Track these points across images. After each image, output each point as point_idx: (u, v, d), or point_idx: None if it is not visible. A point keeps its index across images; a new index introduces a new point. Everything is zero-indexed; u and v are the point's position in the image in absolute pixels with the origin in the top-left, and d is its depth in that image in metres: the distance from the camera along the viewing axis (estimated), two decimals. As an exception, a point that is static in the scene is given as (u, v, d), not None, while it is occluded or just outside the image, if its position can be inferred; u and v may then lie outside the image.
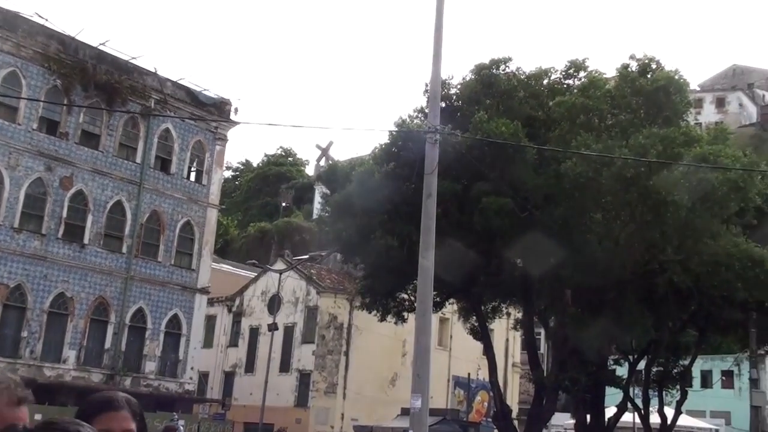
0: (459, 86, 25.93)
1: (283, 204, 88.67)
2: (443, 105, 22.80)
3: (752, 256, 24.19)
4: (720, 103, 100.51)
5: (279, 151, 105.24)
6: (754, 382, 30.93)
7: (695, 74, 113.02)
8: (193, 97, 38.63)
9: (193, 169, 39.14)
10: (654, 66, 24.50)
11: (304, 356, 42.02)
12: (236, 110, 40.56)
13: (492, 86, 25.02)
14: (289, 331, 42.84)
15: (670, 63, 25.03)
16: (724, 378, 49.93)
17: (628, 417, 33.06)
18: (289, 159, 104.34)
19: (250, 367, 44.43)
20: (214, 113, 39.22)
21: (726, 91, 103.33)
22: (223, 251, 67.79)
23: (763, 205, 27.13)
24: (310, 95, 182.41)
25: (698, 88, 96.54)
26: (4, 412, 1.62)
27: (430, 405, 15.66)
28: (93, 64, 34.76)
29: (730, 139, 28.36)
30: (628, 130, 23.16)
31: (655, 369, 33.26)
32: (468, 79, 25.73)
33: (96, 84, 34.59)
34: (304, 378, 41.73)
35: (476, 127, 22.26)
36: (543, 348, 42.41)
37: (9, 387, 1.66)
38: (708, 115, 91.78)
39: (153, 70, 37.18)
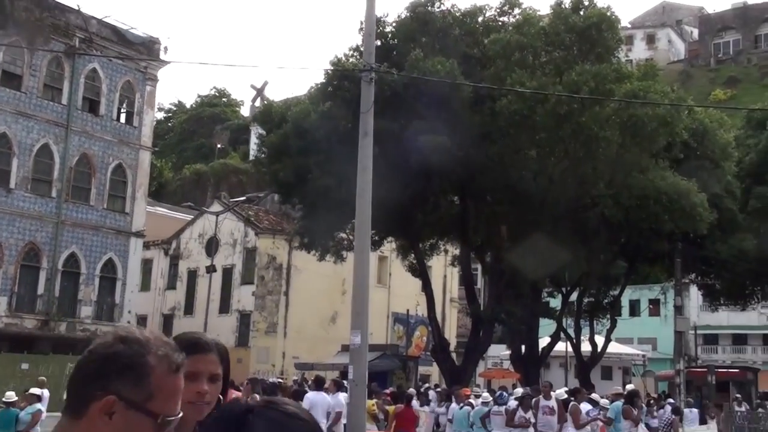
0: (394, 24, 25.71)
1: (219, 145, 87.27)
2: (379, 43, 22.59)
3: (679, 189, 25.03)
4: (650, 40, 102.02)
5: (213, 92, 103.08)
6: (679, 309, 32.30)
7: (626, 11, 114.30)
8: (120, 36, 37.32)
9: (123, 110, 38.08)
10: (586, 2, 24.68)
11: (243, 297, 42.04)
12: (166, 49, 39.46)
13: (427, 24, 24.88)
14: (227, 272, 42.70)
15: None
16: (651, 306, 51.94)
17: (560, 346, 34.28)
18: (224, 100, 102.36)
19: (189, 309, 44.26)
20: (142, 52, 38.03)
21: (656, 27, 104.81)
22: (157, 194, 66.62)
23: (689, 139, 27.98)
24: (243, 34, 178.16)
25: (629, 25, 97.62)
26: (162, 379, 1.60)
27: (369, 341, 15.93)
28: (10, 0, 33.15)
29: (659, 75, 28.93)
30: (562, 67, 23.43)
31: (586, 300, 34.46)
32: (403, 16, 25.51)
33: (15, 21, 33.06)
34: (245, 318, 41.82)
35: (412, 65, 22.19)
36: (480, 283, 43.34)
37: (168, 354, 1.63)
38: (638, 51, 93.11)
39: (76, 7, 35.71)
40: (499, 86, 22.39)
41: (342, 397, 15.58)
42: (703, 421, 28.02)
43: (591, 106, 22.04)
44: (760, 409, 25.30)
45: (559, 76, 22.89)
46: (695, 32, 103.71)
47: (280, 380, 24.46)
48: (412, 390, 21.55)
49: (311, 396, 14.26)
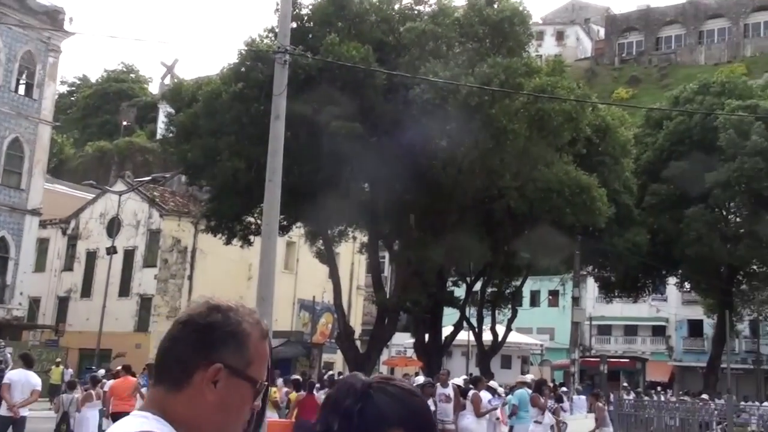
0: (311, 7, 25.46)
1: (125, 123, 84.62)
2: (294, 26, 22.35)
3: (581, 183, 25.82)
4: (559, 37, 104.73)
5: (120, 67, 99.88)
6: (576, 301, 33.45)
7: (538, 7, 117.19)
8: (21, 3, 35.58)
9: (22, 81, 36.38)
10: (502, -5, 25.08)
11: (145, 280, 40.95)
12: (71, 20, 37.91)
13: (344, 8, 24.76)
14: (129, 254, 41.49)
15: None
16: (550, 297, 53.54)
17: (463, 335, 34.93)
18: (132, 76, 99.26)
19: (86, 292, 42.77)
20: (45, 22, 36.38)
21: (565, 25, 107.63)
22: (57, 171, 64.11)
23: (592, 135, 28.90)
24: (155, 9, 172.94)
25: (540, 21, 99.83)
26: (257, 346, 1.64)
27: (274, 327, 15.82)
28: None
29: (567, 71, 29.77)
30: (474, 59, 23.75)
31: (489, 290, 35.19)
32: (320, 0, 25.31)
33: None
34: (145, 302, 40.75)
35: (327, 49, 22.04)
36: (387, 271, 43.66)
37: (258, 321, 1.66)
38: (548, 47, 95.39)
39: (-27, -29, 33.84)
40: (413, 75, 22.51)
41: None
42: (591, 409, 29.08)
43: (501, 98, 22.44)
44: (646, 397, 26.53)
45: (471, 68, 23.19)
46: (602, 31, 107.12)
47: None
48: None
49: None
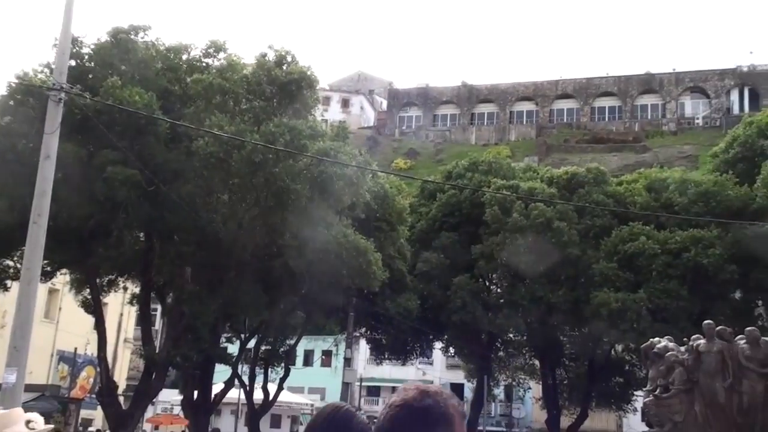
0: (93, 46, 24.48)
1: None
2: (73, 63, 21.39)
3: (358, 246, 26.60)
4: (345, 104, 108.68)
5: None
6: (348, 361, 34.06)
7: (326, 74, 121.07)
8: None
9: None
10: (290, 59, 25.63)
11: None
12: None
13: (129, 52, 24.06)
14: None
15: (304, 59, 26.64)
16: (324, 357, 54.05)
17: (234, 393, 34.22)
18: None
19: None
20: None
21: (351, 93, 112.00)
22: None
23: (371, 201, 30.04)
24: None
25: (327, 87, 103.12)
26: (460, 425, 2.16)
27: (27, 380, 14.62)
28: None
29: (350, 137, 30.87)
30: (261, 117, 23.97)
31: (263, 347, 34.89)
32: (103, 41, 24.40)
33: None
34: None
35: (108, 91, 21.24)
36: (158, 324, 41.92)
37: (457, 404, 2.02)
38: (334, 113, 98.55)
39: None
40: (197, 126, 22.26)
41: None
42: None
43: (285, 158, 22.75)
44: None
45: (257, 125, 23.36)
46: (384, 103, 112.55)
47: None
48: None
49: None
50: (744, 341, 13.33)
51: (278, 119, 23.22)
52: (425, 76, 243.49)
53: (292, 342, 35.74)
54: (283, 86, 24.59)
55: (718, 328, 13.61)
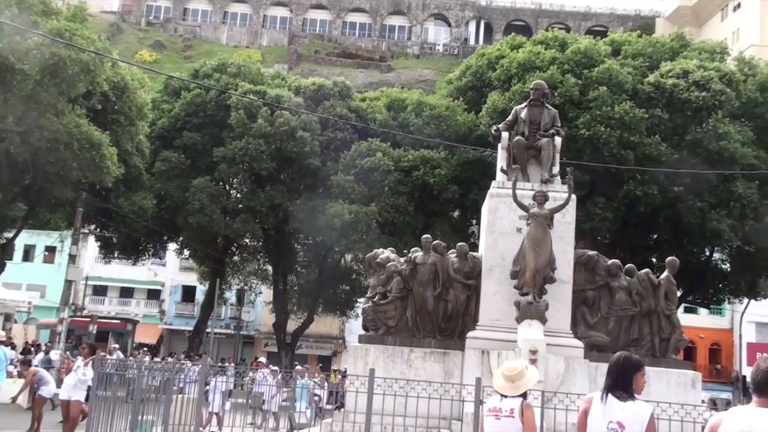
0: None
1: None
2: None
3: (92, 139, 25.16)
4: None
5: None
6: (73, 259, 32.41)
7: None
8: None
9: None
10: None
11: None
12: None
13: None
14: None
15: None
16: (47, 253, 50.94)
17: None
18: None
19: None
20: None
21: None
22: None
23: (109, 92, 28.35)
24: None
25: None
26: None
27: None
28: None
29: (90, 20, 28.60)
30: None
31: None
32: None
33: None
34: None
35: None
36: None
37: None
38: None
39: None
40: None
41: None
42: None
43: (11, 34, 20.66)
44: (131, 357, 26.91)
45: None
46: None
47: None
48: None
49: None
50: (454, 255, 14.75)
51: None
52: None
53: (11, 235, 33.27)
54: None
55: (434, 242, 14.87)
